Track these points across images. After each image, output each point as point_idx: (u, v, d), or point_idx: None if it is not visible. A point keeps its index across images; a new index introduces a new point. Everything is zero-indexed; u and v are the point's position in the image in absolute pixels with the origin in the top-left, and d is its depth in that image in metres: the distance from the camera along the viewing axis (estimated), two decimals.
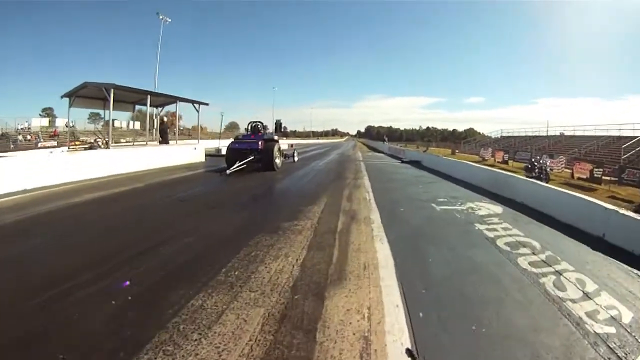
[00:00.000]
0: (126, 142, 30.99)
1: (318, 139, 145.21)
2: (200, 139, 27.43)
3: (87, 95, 16.42)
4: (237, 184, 11.68)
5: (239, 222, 6.76)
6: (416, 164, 21.72)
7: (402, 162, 23.78)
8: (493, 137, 66.83)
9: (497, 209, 8.69)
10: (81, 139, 31.24)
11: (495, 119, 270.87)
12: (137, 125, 71.97)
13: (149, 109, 17.85)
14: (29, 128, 40.84)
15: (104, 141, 20.65)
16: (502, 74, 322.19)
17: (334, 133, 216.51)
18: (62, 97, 16.88)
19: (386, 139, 68.25)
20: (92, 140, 23.20)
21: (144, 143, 19.73)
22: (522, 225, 7.20)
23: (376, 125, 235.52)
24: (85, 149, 17.14)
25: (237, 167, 13.83)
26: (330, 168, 18.00)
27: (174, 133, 23.02)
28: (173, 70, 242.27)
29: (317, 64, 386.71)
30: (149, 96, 16.67)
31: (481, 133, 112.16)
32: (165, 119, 21.71)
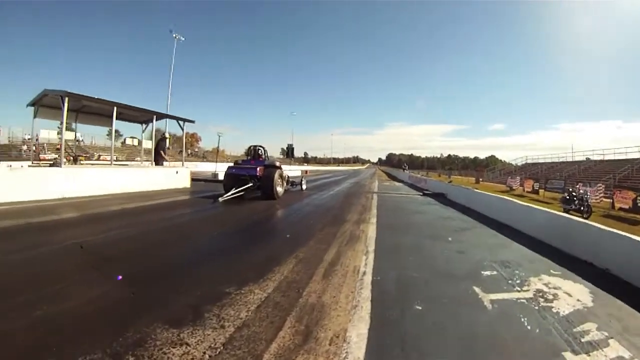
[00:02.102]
0: (97, 160, 28.55)
1: (339, 165, 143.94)
2: (218, 161, 25.42)
3: (52, 105, 13.73)
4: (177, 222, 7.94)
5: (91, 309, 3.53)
6: (440, 197, 17.62)
7: (424, 194, 19.49)
8: (517, 164, 63.03)
9: (581, 292, 4.83)
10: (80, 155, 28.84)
11: (516, 145, 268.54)
12: (149, 144, 70.56)
13: (114, 125, 14.98)
14: (37, 139, 38.78)
15: (71, 157, 17.79)
16: (523, 99, 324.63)
17: (355, 160, 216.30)
18: (27, 106, 14.40)
19: (406, 166, 65.40)
20: (56, 157, 20.06)
21: (120, 162, 17.05)
22: None
23: (397, 153, 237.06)
24: (51, 165, 14.41)
25: (232, 194, 12.64)
26: (334, 202, 14.19)
27: (184, 153, 21.63)
28: (191, 94, 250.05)
29: (338, 90, 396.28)
30: (114, 108, 13.77)
31: (502, 160, 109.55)
32: (167, 135, 18.23)
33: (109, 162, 17.71)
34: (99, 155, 38.52)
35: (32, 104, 14.08)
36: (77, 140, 37.16)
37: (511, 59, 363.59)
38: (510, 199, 11.60)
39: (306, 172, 44.30)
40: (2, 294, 3.65)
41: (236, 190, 12.87)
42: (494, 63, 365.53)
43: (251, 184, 13.41)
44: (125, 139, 67.24)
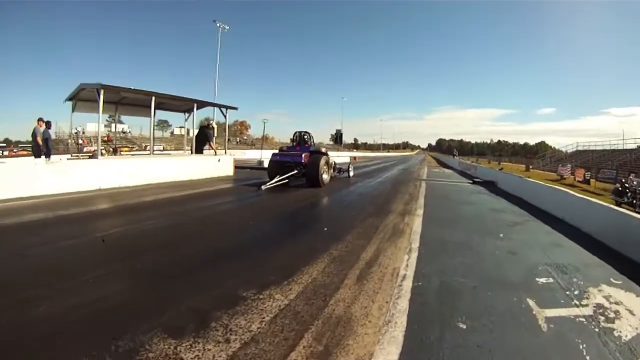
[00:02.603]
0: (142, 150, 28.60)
1: (389, 151, 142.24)
2: (264, 148, 25.33)
3: (90, 98, 13.46)
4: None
5: None
6: (490, 185, 16.56)
7: (474, 182, 18.42)
8: (568, 151, 59.50)
9: None
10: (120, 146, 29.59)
11: (566, 131, 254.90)
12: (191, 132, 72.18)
13: (153, 115, 14.41)
14: (83, 132, 40.07)
15: (110, 149, 18.12)
16: (574, 82, 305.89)
17: (405, 146, 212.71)
18: (64, 101, 14.32)
19: (456, 152, 63.39)
20: (94, 149, 20.66)
21: (163, 152, 16.99)
22: None
23: (447, 139, 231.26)
24: (90, 157, 14.68)
25: (276, 182, 12.24)
26: (381, 190, 13.51)
27: (226, 140, 20.36)
28: (245, 81, 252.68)
29: (387, 72, 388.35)
30: (152, 98, 13.48)
31: (552, 147, 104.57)
32: (213, 123, 17.77)
33: (150, 152, 17.70)
34: (146, 146, 39.18)
35: (70, 98, 14.01)
36: (124, 132, 38.39)
37: (560, 38, 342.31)
38: (566, 190, 10.50)
39: (355, 158, 43.97)
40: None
41: (280, 178, 12.41)
42: (543, 42, 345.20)
43: (296, 172, 12.94)
44: (173, 129, 68.92)
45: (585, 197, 9.44)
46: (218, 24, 37.32)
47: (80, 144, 32.82)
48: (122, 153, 18.98)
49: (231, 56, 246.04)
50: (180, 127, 67.22)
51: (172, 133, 68.16)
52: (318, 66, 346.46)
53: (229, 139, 76.65)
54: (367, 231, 6.61)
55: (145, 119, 40.56)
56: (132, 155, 18.12)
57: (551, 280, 4.70)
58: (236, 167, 17.92)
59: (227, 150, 17.98)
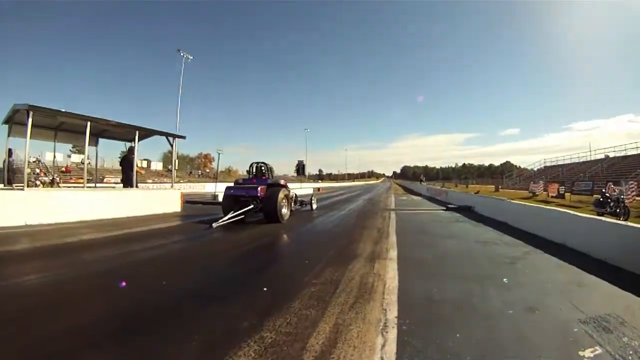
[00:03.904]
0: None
1: (354, 181, 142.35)
2: (225, 181, 23.50)
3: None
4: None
5: None
6: (468, 211, 15.01)
7: (448, 208, 16.75)
8: (535, 168, 60.38)
9: None
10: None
11: (530, 150, 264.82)
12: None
13: (87, 142, 12.31)
14: (38, 161, 37.30)
15: (47, 180, 17.04)
16: (535, 101, 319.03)
17: (370, 175, 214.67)
18: (2, 123, 12.77)
19: (423, 178, 62.51)
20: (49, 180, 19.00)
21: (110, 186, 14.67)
22: None
23: (412, 165, 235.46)
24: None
25: (228, 219, 10.76)
26: (344, 225, 11.52)
27: (174, 173, 18.28)
28: (209, 115, 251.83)
29: (352, 106, 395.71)
30: (88, 123, 11.82)
31: (517, 166, 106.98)
32: (133, 145, 14.83)
33: (83, 185, 15.32)
34: (103, 178, 37.09)
35: (6, 121, 12.39)
36: (83, 163, 36.01)
37: (521, 60, 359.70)
38: (562, 209, 9.07)
39: (319, 189, 42.62)
40: None
41: (233, 214, 11.00)
42: (504, 67, 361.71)
43: (252, 206, 11.61)
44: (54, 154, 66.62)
45: (586, 215, 7.96)
46: (182, 54, 36.56)
47: (37, 174, 30.05)
48: (58, 185, 16.63)
49: (194, 89, 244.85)
50: (143, 160, 64.99)
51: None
52: (283, 99, 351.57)
53: (190, 172, 75.32)
54: (324, 290, 4.59)
55: (114, 151, 38.10)
56: (68, 187, 15.84)
57: (598, 349, 3.08)
58: (187, 202, 16.40)
59: (174, 184, 16.22)
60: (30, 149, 13.23)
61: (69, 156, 48.77)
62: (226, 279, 5.28)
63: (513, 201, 12.48)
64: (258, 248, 7.80)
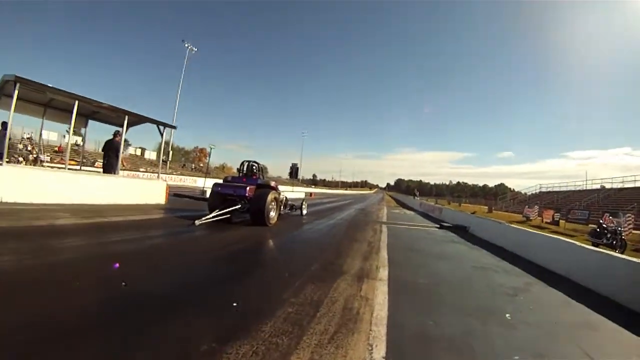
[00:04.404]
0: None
1: (347, 189, 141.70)
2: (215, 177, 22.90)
3: (19, 97, 10.81)
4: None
5: None
6: (462, 231, 14.35)
7: (442, 226, 16.12)
8: (529, 193, 60.54)
9: None
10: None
11: (524, 173, 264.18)
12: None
13: (73, 122, 11.97)
14: (30, 139, 36.45)
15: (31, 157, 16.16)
16: (533, 128, 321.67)
17: (364, 185, 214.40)
18: None
19: (417, 193, 61.93)
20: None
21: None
22: None
23: (406, 179, 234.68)
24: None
25: (213, 217, 10.19)
26: (333, 235, 10.80)
27: (160, 162, 17.82)
28: (210, 110, 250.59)
29: (351, 114, 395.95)
30: (75, 102, 11.22)
31: (511, 189, 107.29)
32: (120, 131, 13.78)
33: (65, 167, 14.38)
34: (94, 161, 36.08)
35: None
36: (77, 144, 34.87)
37: (520, 85, 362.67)
38: (569, 240, 8.35)
39: (311, 194, 42.00)
40: None
41: (218, 213, 10.42)
42: (502, 90, 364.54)
43: (239, 206, 11.05)
44: (128, 148, 65.69)
45: (595, 248, 7.40)
46: (186, 44, 36.53)
47: (29, 151, 29.11)
48: (42, 164, 15.94)
49: (196, 84, 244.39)
50: (139, 148, 64.31)
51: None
52: (283, 102, 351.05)
53: (183, 165, 74.25)
54: (302, 312, 3.91)
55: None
56: (51, 168, 15.14)
57: None
58: (175, 195, 15.78)
59: (161, 175, 15.80)
60: (26, 126, 12.68)
61: (64, 136, 47.81)
62: (193, 287, 4.57)
63: (512, 225, 11.84)
64: (237, 253, 7.08)
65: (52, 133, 42.01)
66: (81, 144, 36.69)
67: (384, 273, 6.22)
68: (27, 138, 35.41)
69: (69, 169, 12.77)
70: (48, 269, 4.51)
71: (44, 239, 6.01)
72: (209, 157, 21.86)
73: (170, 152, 48.67)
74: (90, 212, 9.27)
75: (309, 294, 4.62)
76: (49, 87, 10.57)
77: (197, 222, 9.42)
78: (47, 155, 31.77)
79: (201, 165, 76.23)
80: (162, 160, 13.44)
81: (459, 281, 6.30)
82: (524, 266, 8.00)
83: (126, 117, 12.99)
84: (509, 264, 8.25)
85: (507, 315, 4.56)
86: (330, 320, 3.79)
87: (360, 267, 6.58)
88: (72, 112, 11.54)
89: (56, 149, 41.76)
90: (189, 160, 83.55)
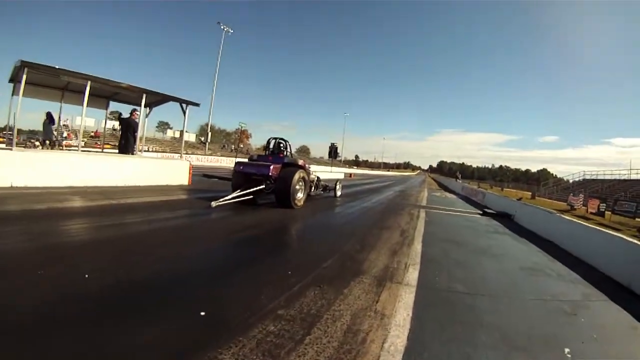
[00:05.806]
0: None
1: (388, 170, 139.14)
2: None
3: (34, 81, 11.07)
4: None
5: None
6: (506, 219, 12.95)
7: (484, 212, 14.63)
8: (572, 180, 55.93)
9: None
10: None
11: (567, 159, 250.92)
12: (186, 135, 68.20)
13: (85, 103, 11.02)
14: (65, 126, 37.25)
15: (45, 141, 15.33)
16: (579, 110, 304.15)
17: (406, 166, 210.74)
18: (9, 81, 11.64)
19: (459, 176, 59.45)
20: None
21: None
22: None
23: (448, 161, 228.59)
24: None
25: (231, 198, 9.34)
26: (363, 221, 9.69)
27: (183, 143, 17.99)
28: (252, 92, 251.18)
29: (394, 94, 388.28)
30: (88, 83, 10.65)
31: (554, 175, 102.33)
32: (137, 113, 13.07)
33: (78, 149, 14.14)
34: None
35: (11, 79, 11.26)
36: (114, 129, 35.17)
37: (567, 69, 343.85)
38: (635, 242, 6.74)
39: (351, 175, 40.99)
40: None
41: (239, 194, 9.61)
42: (550, 72, 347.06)
43: (263, 187, 10.23)
44: (167, 130, 66.50)
45: None
46: (222, 26, 36.66)
47: (65, 137, 29.67)
48: (60, 148, 15.92)
49: (236, 66, 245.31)
50: (178, 130, 64.85)
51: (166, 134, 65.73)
52: (326, 82, 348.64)
53: (223, 146, 74.52)
54: (284, 335, 2.83)
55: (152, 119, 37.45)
56: (69, 151, 15.13)
57: None
58: (204, 176, 16.23)
59: (183, 155, 15.74)
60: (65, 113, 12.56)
61: (97, 121, 48.69)
62: (174, 282, 3.72)
63: (565, 217, 10.23)
64: (242, 241, 6.14)
65: (89, 119, 42.68)
66: (117, 128, 37.35)
67: (413, 275, 5.02)
68: (64, 125, 36.10)
69: (82, 150, 12.67)
70: (27, 253, 4.10)
71: (35, 223, 5.53)
72: (240, 135, 21.33)
73: (209, 134, 48.52)
74: (100, 194, 8.74)
75: (307, 303, 3.56)
76: (57, 68, 9.98)
77: (213, 204, 8.70)
78: (83, 140, 32.43)
79: (241, 146, 76.53)
80: (201, 141, 12.97)
81: (504, 290, 4.94)
82: (579, 269, 6.54)
83: (144, 95, 12.29)
84: (563, 265, 6.83)
85: (567, 349, 3.29)
86: (321, 351, 2.69)
87: (385, 264, 5.42)
88: (91, 95, 11.16)
89: (92, 134, 42.54)
90: (230, 141, 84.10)
